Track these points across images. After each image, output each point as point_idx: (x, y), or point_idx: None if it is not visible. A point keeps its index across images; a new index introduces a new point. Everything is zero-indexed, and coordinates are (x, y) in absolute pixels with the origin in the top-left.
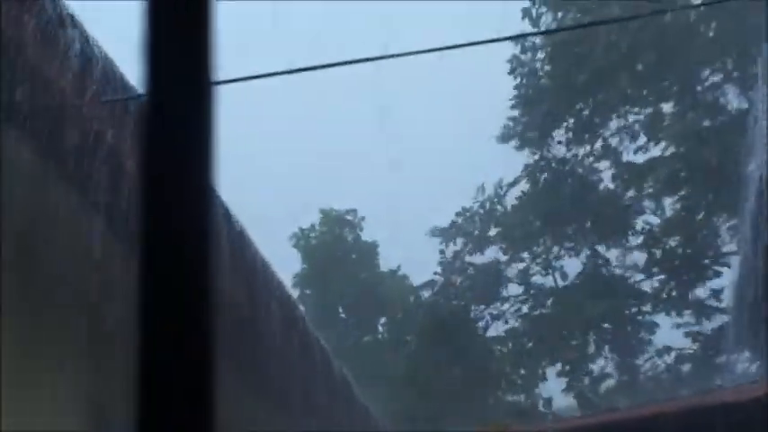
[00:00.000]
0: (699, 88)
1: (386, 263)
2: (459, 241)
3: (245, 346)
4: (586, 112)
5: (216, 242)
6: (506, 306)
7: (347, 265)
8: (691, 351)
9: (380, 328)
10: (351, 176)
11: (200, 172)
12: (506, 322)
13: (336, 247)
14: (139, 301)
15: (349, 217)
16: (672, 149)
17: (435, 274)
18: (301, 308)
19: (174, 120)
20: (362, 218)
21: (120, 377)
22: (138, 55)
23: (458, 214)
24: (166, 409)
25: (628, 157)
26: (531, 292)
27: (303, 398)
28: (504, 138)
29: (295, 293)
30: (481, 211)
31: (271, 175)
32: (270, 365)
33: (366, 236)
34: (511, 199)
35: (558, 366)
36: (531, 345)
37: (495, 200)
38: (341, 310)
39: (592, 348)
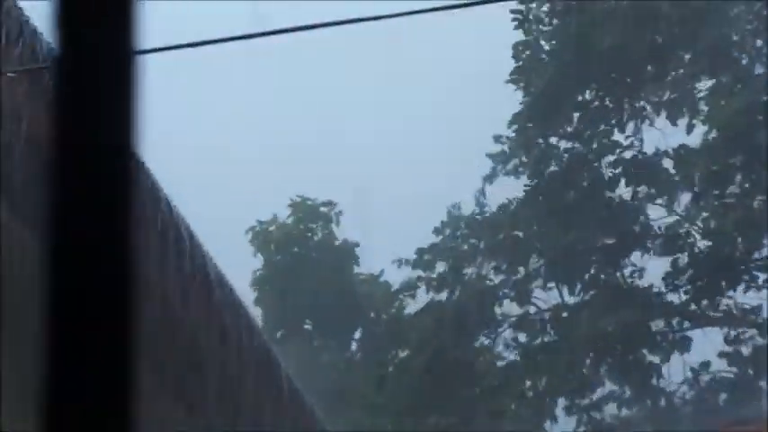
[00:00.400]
0: (744, 61)
1: (366, 267)
2: (441, 264)
3: (168, 344)
4: (599, 95)
5: (137, 223)
6: (503, 327)
7: (317, 267)
8: (727, 373)
9: (354, 345)
10: (328, 168)
11: (117, 145)
12: (501, 356)
13: (305, 243)
14: (46, 292)
15: (324, 209)
16: (711, 135)
17: (418, 279)
18: (253, 312)
19: (88, 88)
20: (340, 212)
21: (25, 377)
22: (50, 17)
23: (436, 231)
24: (77, 414)
25: (650, 146)
26: (531, 313)
27: (235, 407)
28: (499, 158)
29: (250, 298)
30: (462, 224)
31: (237, 163)
32: (194, 366)
33: (343, 234)
34: (499, 199)
35: (566, 401)
36: (530, 383)
37: (477, 210)
38: (307, 322)
39: (606, 374)
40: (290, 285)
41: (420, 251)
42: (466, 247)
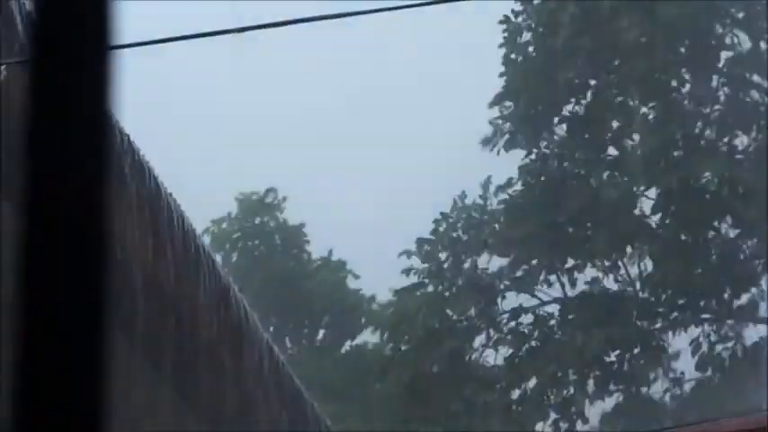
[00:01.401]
0: (721, 62)
1: (316, 250)
2: (443, 254)
3: (166, 334)
4: (586, 100)
5: (108, 225)
6: (501, 326)
7: (271, 261)
8: (711, 378)
9: (321, 333)
10: (265, 150)
11: (93, 143)
12: (494, 361)
13: (256, 239)
14: (19, 286)
15: (269, 200)
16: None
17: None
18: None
19: (65, 83)
20: (284, 198)
21: None
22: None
23: (436, 221)
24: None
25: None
26: (522, 323)
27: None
28: (489, 139)
29: None
30: (463, 215)
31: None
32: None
33: (289, 219)
34: (498, 204)
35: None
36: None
37: (482, 204)
38: (273, 319)
39: (592, 385)
40: (245, 284)
41: (420, 241)
42: (467, 238)
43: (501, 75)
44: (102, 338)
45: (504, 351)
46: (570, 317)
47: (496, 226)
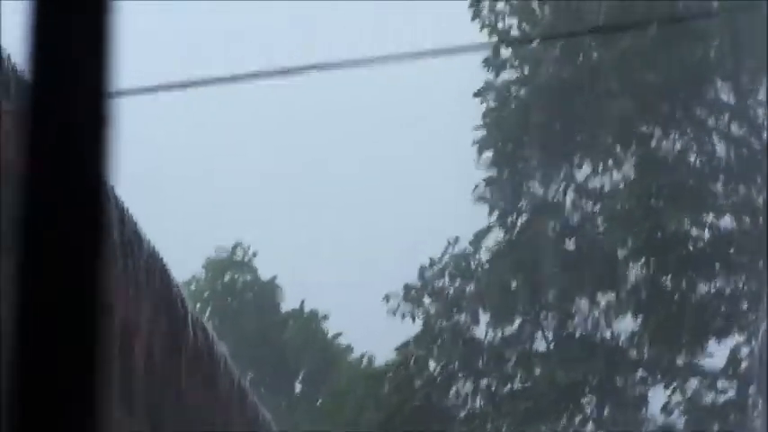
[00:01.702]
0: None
1: (289, 304)
2: (428, 304)
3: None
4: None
5: (106, 269)
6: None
7: (244, 318)
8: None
9: (298, 387)
10: (238, 206)
11: (90, 189)
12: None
13: (230, 295)
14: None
15: (237, 257)
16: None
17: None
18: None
19: (62, 130)
20: (254, 253)
21: None
22: (25, 55)
23: (423, 269)
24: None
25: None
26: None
27: None
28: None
29: None
30: (451, 264)
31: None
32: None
33: (261, 274)
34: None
35: None
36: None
37: (471, 252)
38: (250, 374)
39: (564, 424)
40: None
41: (407, 288)
42: (453, 289)
43: (482, 113)
44: (97, 410)
45: (484, 388)
46: (551, 359)
47: (481, 276)
